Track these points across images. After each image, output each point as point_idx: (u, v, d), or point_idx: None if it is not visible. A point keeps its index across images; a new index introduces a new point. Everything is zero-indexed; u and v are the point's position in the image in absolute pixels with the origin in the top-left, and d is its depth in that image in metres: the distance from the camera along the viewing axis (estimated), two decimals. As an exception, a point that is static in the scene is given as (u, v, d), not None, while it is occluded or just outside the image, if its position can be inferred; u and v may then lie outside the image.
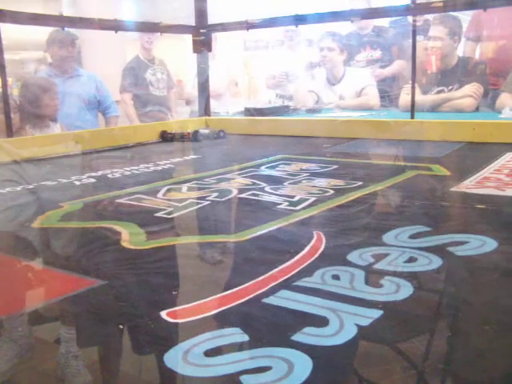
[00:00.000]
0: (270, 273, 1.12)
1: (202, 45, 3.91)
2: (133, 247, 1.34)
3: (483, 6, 3.08)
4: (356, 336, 0.86)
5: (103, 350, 0.91)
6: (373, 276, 1.10)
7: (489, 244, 1.27)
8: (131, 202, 1.80)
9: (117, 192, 1.96)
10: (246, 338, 0.86)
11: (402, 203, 1.76)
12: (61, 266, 1.30)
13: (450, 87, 3.90)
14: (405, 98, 3.82)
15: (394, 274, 1.10)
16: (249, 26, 3.81)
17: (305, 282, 1.07)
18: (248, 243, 1.35)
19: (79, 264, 1.28)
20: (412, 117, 3.19)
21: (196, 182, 2.11)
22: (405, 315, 0.95)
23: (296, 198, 1.76)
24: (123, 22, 3.58)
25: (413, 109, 3.19)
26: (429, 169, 2.20)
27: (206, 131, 3.48)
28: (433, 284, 1.10)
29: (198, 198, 1.82)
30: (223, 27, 4.07)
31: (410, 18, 3.55)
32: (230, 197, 1.83)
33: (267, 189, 1.92)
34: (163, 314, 0.95)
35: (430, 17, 4.12)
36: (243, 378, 0.76)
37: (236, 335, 0.87)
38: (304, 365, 0.78)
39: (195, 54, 3.98)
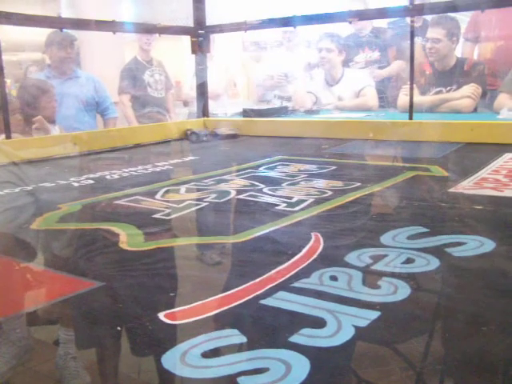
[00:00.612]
0: (268, 274, 1.12)
1: (201, 46, 3.91)
2: (131, 249, 1.34)
3: (481, 7, 3.08)
4: (354, 337, 0.86)
5: (101, 351, 0.91)
6: (370, 277, 1.10)
7: (487, 245, 1.27)
8: (129, 204, 1.80)
9: (115, 193, 1.96)
10: (243, 339, 0.87)
11: (400, 204, 1.76)
12: (59, 267, 1.30)
13: (449, 88, 3.90)
14: (403, 98, 3.82)
15: (392, 275, 1.10)
16: (247, 27, 3.81)
17: (303, 283, 1.07)
18: (246, 244, 1.35)
19: (77, 266, 1.28)
20: (410, 117, 3.19)
21: (194, 183, 2.11)
22: (402, 316, 0.96)
23: (294, 199, 1.76)
24: (121, 24, 3.58)
25: (411, 109, 3.19)
26: (427, 170, 2.21)
27: (225, 131, 3.50)
28: (430, 285, 1.10)
29: (197, 200, 1.82)
30: (221, 28, 4.07)
31: (407, 19, 3.56)
32: (228, 198, 1.83)
33: (265, 190, 1.92)
34: (161, 315, 0.95)
35: (428, 18, 4.13)
36: (241, 379, 0.76)
37: (234, 337, 0.87)
38: (301, 366, 0.78)
39: (193, 55, 3.98)
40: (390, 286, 1.05)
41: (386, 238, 1.34)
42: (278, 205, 1.71)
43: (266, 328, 0.91)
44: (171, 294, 1.09)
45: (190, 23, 3.90)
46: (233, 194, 1.88)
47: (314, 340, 0.85)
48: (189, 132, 3.49)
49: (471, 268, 1.17)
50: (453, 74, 3.89)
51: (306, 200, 1.74)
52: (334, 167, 2.34)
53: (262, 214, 1.63)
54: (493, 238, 1.31)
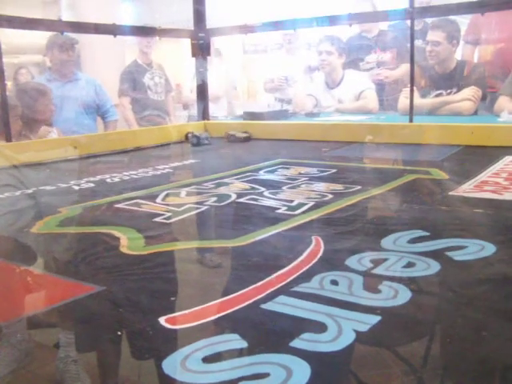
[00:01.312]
0: (269, 278, 1.12)
1: (201, 49, 3.91)
2: (131, 252, 1.34)
3: (481, 10, 3.08)
4: (354, 342, 0.86)
5: (102, 356, 0.91)
6: (371, 281, 1.10)
7: (487, 248, 1.27)
8: (130, 207, 1.80)
9: (115, 197, 1.96)
10: (244, 344, 0.86)
11: (401, 207, 1.76)
12: (59, 271, 1.30)
13: (449, 91, 3.90)
14: (403, 101, 3.82)
15: (393, 279, 1.10)
16: (247, 29, 3.81)
17: (303, 287, 1.07)
18: (246, 248, 1.35)
19: (78, 270, 1.28)
20: (411, 120, 3.19)
21: (195, 186, 2.11)
22: (403, 321, 0.95)
23: (295, 203, 1.76)
24: (122, 27, 3.58)
25: (411, 112, 3.19)
26: (427, 173, 2.21)
27: (242, 134, 3.50)
28: (431, 289, 1.10)
29: (197, 203, 1.82)
30: (222, 31, 4.07)
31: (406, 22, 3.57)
32: (228, 201, 1.83)
33: (266, 193, 1.92)
34: (162, 320, 0.95)
35: (429, 20, 4.13)
36: (241, 384, 0.76)
37: (234, 341, 0.87)
38: (302, 371, 0.78)
39: (193, 58, 3.98)
40: (390, 290, 1.05)
41: (386, 242, 1.34)
42: (278, 208, 1.71)
43: (266, 333, 0.91)
44: (172, 299, 1.09)
45: (191, 26, 3.90)
46: (233, 197, 1.88)
47: (314, 345, 0.85)
48: (190, 135, 3.48)
49: (472, 272, 1.17)
50: (453, 77, 3.90)
51: (307, 203, 1.74)
52: (334, 170, 2.34)
53: (262, 218, 1.63)
54: (493, 241, 1.31)
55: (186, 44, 4.12)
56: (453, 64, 3.92)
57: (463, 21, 4.36)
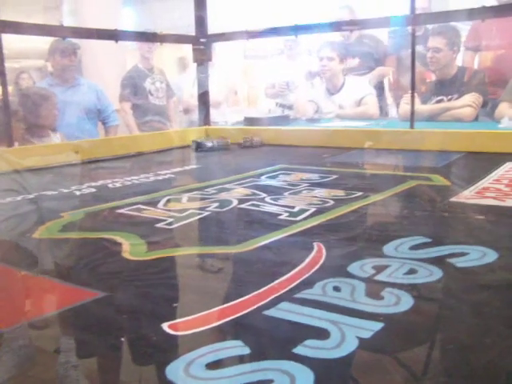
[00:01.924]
0: (271, 284, 1.12)
1: (202, 54, 3.92)
2: (134, 258, 1.34)
3: (481, 17, 3.09)
4: (357, 348, 0.86)
5: (104, 361, 0.91)
6: (373, 288, 1.10)
7: (489, 255, 1.27)
8: (132, 213, 1.80)
9: (117, 202, 1.96)
10: (247, 350, 0.87)
11: (402, 214, 1.76)
12: (62, 277, 1.30)
13: (450, 97, 3.91)
14: (404, 107, 3.83)
15: (395, 285, 1.10)
16: (249, 35, 3.83)
17: (306, 293, 1.07)
18: (248, 254, 1.35)
19: (80, 275, 1.28)
20: (411, 126, 3.20)
21: (196, 192, 2.12)
22: (406, 327, 0.96)
23: (296, 209, 1.76)
24: (123, 32, 3.59)
25: (412, 118, 3.20)
26: (428, 179, 2.21)
27: (255, 140, 3.51)
28: (433, 296, 1.10)
29: (199, 209, 1.83)
30: (223, 37, 4.09)
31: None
32: (230, 207, 1.83)
33: (267, 199, 1.92)
34: (165, 326, 0.95)
35: (429, 27, 4.15)
36: (245, 391, 0.76)
37: (237, 348, 0.87)
38: (305, 378, 0.78)
39: (194, 63, 3.99)
40: (393, 296, 1.05)
41: (388, 249, 1.34)
42: (279, 214, 1.71)
43: (269, 339, 0.91)
44: (174, 305, 1.09)
45: (192, 32, 3.92)
46: (235, 203, 1.88)
47: (317, 351, 0.85)
48: (194, 143, 3.45)
49: (474, 279, 1.17)
50: (454, 83, 3.91)
51: (308, 209, 1.74)
52: (335, 176, 2.35)
53: (264, 224, 1.63)
54: (495, 248, 1.31)
55: (186, 49, 4.14)
56: (453, 70, 3.94)
57: (464, 27, 4.38)
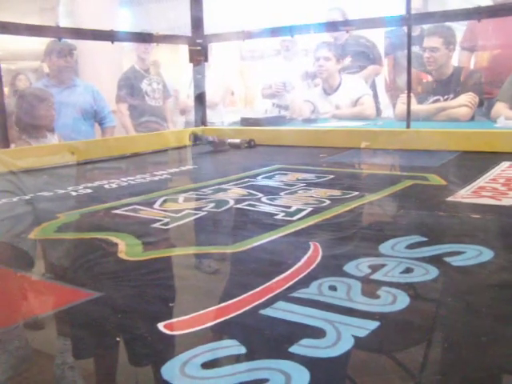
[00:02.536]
0: (267, 284, 1.12)
1: (199, 55, 3.92)
2: (130, 258, 1.34)
3: (477, 17, 3.10)
4: (353, 347, 0.86)
5: (100, 362, 0.90)
6: (369, 287, 1.10)
7: (485, 254, 1.27)
8: (128, 213, 1.80)
9: (113, 203, 1.96)
10: (243, 350, 0.86)
11: (398, 213, 1.76)
12: (57, 277, 1.29)
13: (446, 96, 3.92)
14: (400, 107, 3.83)
15: (391, 284, 1.10)
16: (245, 35, 3.82)
17: (302, 293, 1.07)
18: (245, 254, 1.35)
19: (76, 276, 1.28)
20: (408, 126, 3.20)
21: (192, 192, 2.11)
22: (402, 326, 0.95)
23: (292, 209, 1.76)
24: (119, 33, 3.59)
25: (408, 118, 3.20)
26: (425, 178, 2.21)
27: (237, 140, 3.47)
28: (430, 294, 1.10)
29: (195, 209, 1.82)
30: (220, 37, 4.08)
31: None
32: (226, 207, 1.83)
33: (264, 199, 1.92)
34: (160, 325, 0.95)
35: (425, 27, 4.16)
36: (240, 390, 0.76)
37: (233, 347, 0.87)
38: (301, 377, 0.78)
39: (190, 64, 3.99)
40: (389, 295, 1.05)
41: (384, 248, 1.34)
42: (276, 214, 1.71)
43: (265, 338, 0.91)
44: (170, 305, 1.09)
45: (188, 32, 3.91)
46: (231, 203, 1.88)
47: (313, 350, 0.85)
48: (192, 136, 3.42)
49: (470, 277, 1.17)
50: (450, 83, 3.91)
51: (305, 209, 1.74)
52: (331, 176, 2.35)
53: (260, 224, 1.63)
54: (491, 247, 1.32)
55: (182, 49, 4.13)
56: (450, 70, 3.94)
57: (459, 27, 4.39)
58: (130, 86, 4.84)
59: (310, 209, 1.75)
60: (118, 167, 2.97)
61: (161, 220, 1.68)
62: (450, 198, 1.85)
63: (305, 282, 1.12)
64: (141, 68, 4.89)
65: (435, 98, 3.92)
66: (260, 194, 1.99)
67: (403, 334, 0.93)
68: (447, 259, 1.24)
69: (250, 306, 1.02)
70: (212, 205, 1.86)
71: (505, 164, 2.43)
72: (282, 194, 2.00)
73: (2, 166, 2.64)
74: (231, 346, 0.87)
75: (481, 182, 2.08)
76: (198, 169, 2.85)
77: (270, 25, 3.84)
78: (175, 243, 1.52)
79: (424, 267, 1.19)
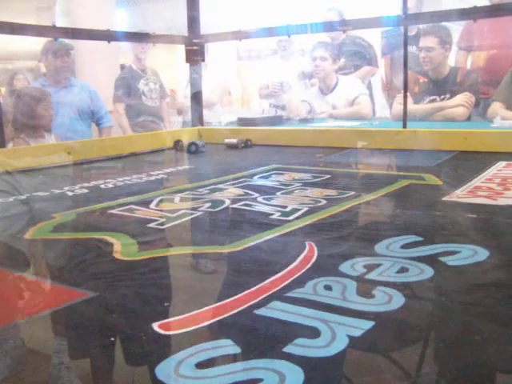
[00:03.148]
0: (262, 284, 1.12)
1: (195, 55, 3.92)
2: (125, 258, 1.33)
3: (473, 17, 3.10)
4: (348, 347, 0.86)
5: (94, 362, 0.90)
6: (365, 286, 1.10)
7: (480, 253, 1.28)
8: (124, 213, 1.80)
9: (109, 203, 1.96)
10: (237, 349, 0.86)
11: (394, 213, 1.76)
12: (53, 277, 1.29)
13: (442, 96, 3.93)
14: (397, 107, 3.84)
15: (386, 284, 1.10)
16: (242, 35, 3.82)
17: (297, 292, 1.07)
18: (240, 254, 1.35)
19: (71, 276, 1.28)
20: (404, 126, 3.20)
21: (189, 192, 2.11)
22: (397, 326, 0.96)
23: (288, 208, 1.76)
24: (116, 33, 3.58)
25: (405, 118, 3.20)
26: (421, 178, 2.21)
27: (234, 140, 3.46)
28: (425, 294, 1.10)
29: (191, 209, 1.82)
30: (216, 37, 4.08)
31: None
32: (222, 207, 1.83)
33: (260, 199, 1.92)
34: (155, 325, 0.95)
35: (421, 28, 4.16)
36: (235, 390, 0.76)
37: (228, 347, 0.87)
38: (295, 376, 0.78)
39: (187, 64, 3.98)
40: (384, 295, 1.05)
41: (380, 247, 1.34)
42: (272, 214, 1.71)
43: (260, 338, 0.91)
44: (165, 304, 1.09)
45: (185, 32, 3.91)
46: (227, 203, 1.88)
47: (308, 350, 0.85)
48: (187, 142, 3.39)
49: (465, 277, 1.17)
50: (446, 83, 3.92)
51: (300, 209, 1.74)
52: (328, 176, 2.35)
53: (256, 224, 1.63)
54: (486, 246, 1.32)
55: (179, 49, 4.13)
56: (446, 70, 3.95)
57: (456, 27, 4.40)
58: (127, 85, 4.84)
59: (306, 208, 1.75)
60: (115, 167, 2.97)
61: (157, 220, 1.68)
62: (445, 198, 1.85)
63: (300, 282, 1.12)
64: (138, 68, 4.89)
65: (432, 97, 3.93)
66: (256, 194, 1.99)
67: (398, 333, 0.94)
68: (442, 259, 1.25)
69: (245, 306, 1.02)
70: (208, 204, 1.86)
71: (501, 164, 2.43)
72: (278, 193, 2.00)
73: (-2, 165, 2.64)
74: (226, 346, 0.87)
75: (477, 181, 2.08)
76: (195, 168, 2.85)
77: (267, 25, 3.83)
78: (171, 243, 1.52)
79: (419, 267, 1.19)
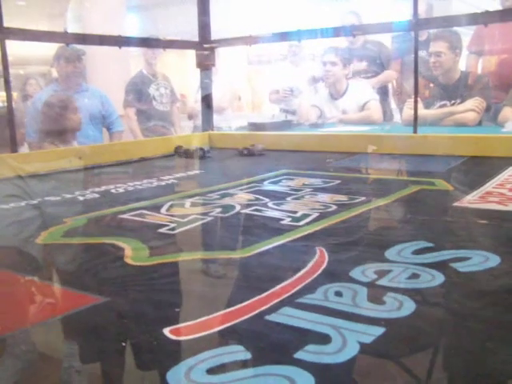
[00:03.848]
0: (273, 289, 1.12)
1: (206, 60, 3.93)
2: (136, 263, 1.34)
3: (484, 21, 3.09)
4: (358, 353, 0.86)
5: (106, 367, 0.91)
6: (375, 292, 1.10)
7: (492, 260, 1.27)
8: (134, 218, 1.81)
9: (120, 207, 1.97)
10: (248, 355, 0.86)
11: (405, 218, 1.76)
12: (64, 282, 1.30)
13: (453, 101, 3.91)
14: (407, 112, 3.83)
15: (397, 290, 1.10)
16: (252, 40, 3.83)
17: (307, 298, 1.07)
18: (251, 259, 1.35)
19: (82, 280, 1.29)
20: (415, 131, 3.20)
21: (199, 197, 2.12)
22: (408, 332, 0.95)
23: (299, 214, 1.76)
24: (127, 38, 3.61)
25: (415, 123, 3.19)
26: (431, 183, 2.21)
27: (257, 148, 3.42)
28: (436, 300, 1.10)
29: (202, 214, 1.83)
30: (227, 42, 4.10)
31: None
32: (233, 212, 1.83)
33: (270, 204, 1.92)
34: (166, 331, 0.95)
35: (432, 32, 4.15)
36: (246, 396, 0.76)
37: (239, 353, 0.87)
38: (306, 382, 0.78)
39: (197, 69, 4.00)
40: (394, 301, 1.05)
41: (390, 253, 1.34)
42: (282, 219, 1.71)
43: (270, 344, 0.91)
44: (176, 310, 1.09)
45: (195, 37, 3.93)
46: (238, 208, 1.88)
47: (319, 356, 0.85)
48: (195, 148, 3.40)
49: (477, 283, 1.17)
50: (457, 88, 3.91)
51: (311, 214, 1.74)
52: (338, 181, 2.34)
53: (266, 229, 1.63)
54: (498, 252, 1.31)
55: (189, 54, 4.15)
56: (457, 75, 3.94)
57: (466, 31, 4.38)
58: (138, 90, 4.87)
59: (317, 214, 1.75)
60: (125, 172, 2.98)
61: (167, 225, 1.69)
62: (456, 204, 1.84)
63: (311, 288, 1.12)
64: (149, 73, 4.92)
65: (442, 102, 3.92)
66: (266, 199, 1.99)
67: (409, 340, 0.93)
68: (453, 265, 1.24)
69: (256, 312, 1.02)
70: (219, 210, 1.86)
71: (512, 169, 2.42)
72: (288, 198, 2.01)
73: (9, 170, 2.66)
74: (237, 352, 0.87)
75: (488, 187, 2.07)
76: (205, 173, 2.86)
77: (277, 30, 3.84)
78: (181, 248, 1.53)
79: (430, 273, 1.19)
